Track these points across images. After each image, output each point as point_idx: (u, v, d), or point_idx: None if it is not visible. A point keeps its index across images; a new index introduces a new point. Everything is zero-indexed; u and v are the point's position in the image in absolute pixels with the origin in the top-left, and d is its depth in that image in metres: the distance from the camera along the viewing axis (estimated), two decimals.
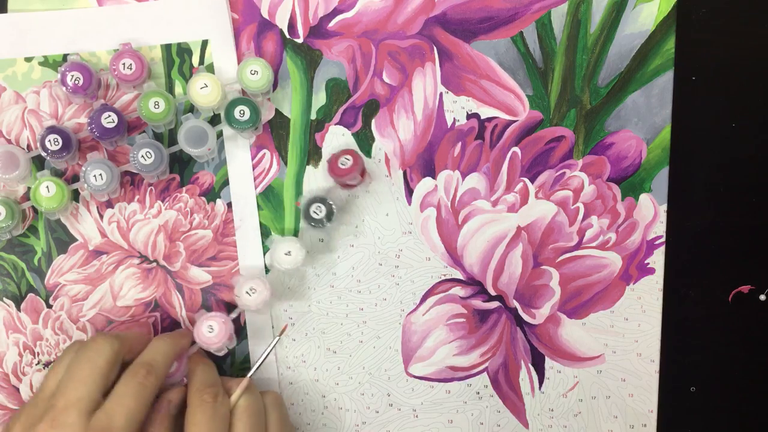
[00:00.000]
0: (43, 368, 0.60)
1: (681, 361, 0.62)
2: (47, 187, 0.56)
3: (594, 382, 0.62)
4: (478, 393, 0.62)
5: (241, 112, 0.57)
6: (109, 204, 0.60)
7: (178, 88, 0.60)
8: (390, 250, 0.61)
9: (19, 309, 0.60)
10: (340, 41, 0.60)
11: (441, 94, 0.61)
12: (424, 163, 0.61)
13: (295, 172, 0.61)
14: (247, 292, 0.57)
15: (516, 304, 0.62)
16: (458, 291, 0.62)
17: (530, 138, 0.61)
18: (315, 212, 0.58)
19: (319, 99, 0.61)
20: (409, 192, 0.61)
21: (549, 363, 0.62)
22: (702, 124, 0.62)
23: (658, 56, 0.61)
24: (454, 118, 0.61)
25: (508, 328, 0.62)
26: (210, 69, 0.60)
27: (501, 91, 0.61)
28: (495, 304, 0.62)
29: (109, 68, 0.57)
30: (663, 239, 0.62)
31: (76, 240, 0.60)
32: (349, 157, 0.57)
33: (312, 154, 0.61)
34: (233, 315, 0.58)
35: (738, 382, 0.63)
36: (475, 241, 0.61)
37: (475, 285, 0.62)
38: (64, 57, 0.59)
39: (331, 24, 0.60)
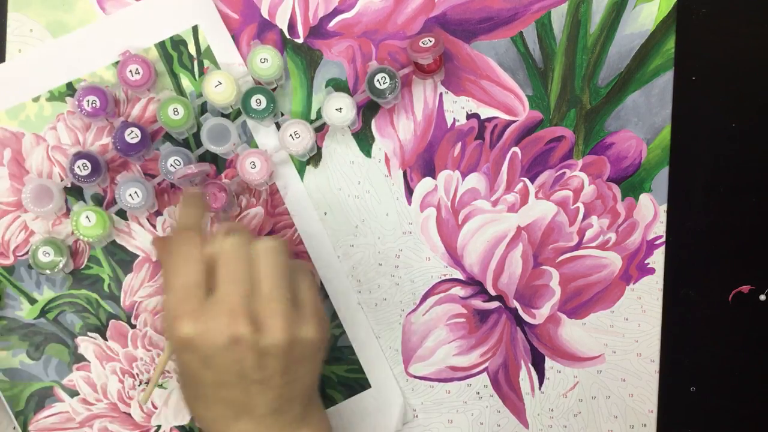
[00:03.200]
0: (146, 386, 0.60)
1: (681, 361, 0.62)
2: (87, 217, 0.57)
3: (594, 382, 0.62)
4: (478, 393, 0.62)
5: (258, 101, 0.58)
6: (157, 212, 0.60)
7: (185, 81, 0.60)
8: (390, 250, 0.61)
9: (105, 338, 0.60)
10: (340, 41, 0.60)
11: (441, 95, 0.61)
12: (424, 163, 0.61)
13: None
14: (290, 135, 0.58)
15: (516, 304, 0.62)
16: (458, 291, 0.62)
17: (530, 138, 0.61)
18: (378, 81, 0.58)
19: (319, 99, 0.61)
20: (409, 192, 0.61)
21: (549, 363, 0.62)
22: (702, 124, 0.62)
23: (658, 56, 0.61)
24: (454, 118, 0.61)
25: (508, 328, 0.62)
26: (208, 53, 0.60)
27: (501, 91, 0.61)
28: (495, 304, 0.62)
29: (118, 79, 0.58)
30: (663, 239, 0.62)
31: (137, 256, 0.60)
32: (432, 38, 0.57)
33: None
34: (275, 152, 0.59)
35: (738, 382, 0.63)
36: (475, 241, 0.61)
37: (475, 285, 0.62)
38: (68, 85, 0.59)
39: (331, 24, 0.60)
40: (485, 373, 0.62)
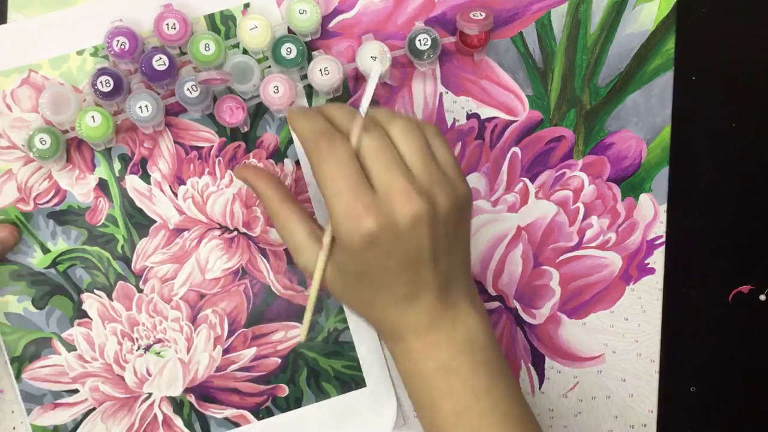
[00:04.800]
0: (144, 353, 0.60)
1: (681, 361, 0.62)
2: (92, 117, 0.57)
3: (594, 382, 0.62)
4: None
5: (288, 50, 0.58)
6: (181, 181, 0.60)
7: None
8: None
9: (111, 298, 0.60)
10: (340, 41, 0.60)
11: (441, 95, 0.61)
12: None
13: None
14: (320, 70, 0.58)
15: (516, 304, 0.62)
16: None
17: (530, 138, 0.61)
18: (420, 41, 0.58)
19: (320, 99, 0.61)
20: None
21: (549, 363, 0.62)
22: (702, 124, 0.62)
23: (658, 56, 0.61)
24: (454, 118, 0.61)
25: (508, 328, 0.62)
26: None
27: (501, 91, 0.61)
28: (495, 304, 0.62)
29: (154, 29, 0.57)
30: (663, 239, 0.62)
31: (155, 221, 0.60)
32: (483, 12, 0.57)
33: None
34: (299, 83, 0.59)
35: (738, 382, 0.63)
36: (475, 241, 0.61)
37: (475, 285, 0.62)
38: None
39: (331, 24, 0.61)
40: None
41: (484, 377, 0.51)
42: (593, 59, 0.61)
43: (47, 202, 0.59)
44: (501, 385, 0.52)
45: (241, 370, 0.61)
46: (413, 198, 0.48)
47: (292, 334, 0.61)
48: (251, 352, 0.61)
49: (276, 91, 0.58)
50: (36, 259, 0.60)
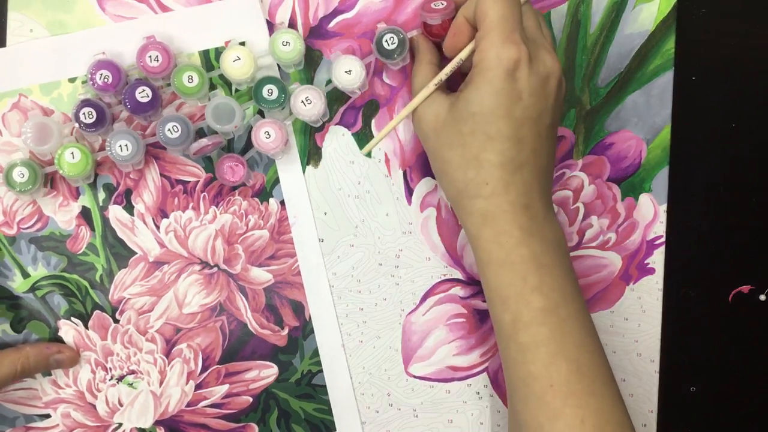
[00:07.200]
0: (117, 383, 0.60)
1: (681, 361, 0.62)
2: (72, 153, 0.57)
3: None
4: (478, 393, 0.62)
5: (269, 91, 0.58)
6: (164, 214, 0.60)
7: (221, 92, 0.60)
8: (390, 250, 0.61)
9: (87, 327, 0.60)
10: (340, 42, 0.60)
11: None
12: (424, 163, 0.61)
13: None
14: (302, 102, 0.58)
15: None
16: (458, 291, 0.62)
17: None
18: (387, 41, 0.58)
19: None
20: (409, 192, 0.61)
21: None
22: (702, 124, 0.62)
23: (658, 56, 0.61)
24: None
25: None
26: None
27: None
28: None
29: (136, 62, 0.57)
30: (663, 239, 0.62)
31: (135, 253, 0.60)
32: (444, 1, 0.57)
33: (312, 154, 0.61)
34: (287, 121, 0.59)
35: (738, 382, 0.63)
36: None
37: (475, 285, 0.62)
38: None
39: (331, 24, 0.61)
40: (485, 373, 0.62)
41: (571, 282, 0.51)
42: (593, 59, 0.61)
43: (30, 227, 0.60)
44: (580, 297, 0.52)
45: (212, 406, 0.61)
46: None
47: (266, 374, 0.61)
48: (223, 389, 0.61)
49: (267, 136, 0.58)
50: (16, 283, 0.60)
